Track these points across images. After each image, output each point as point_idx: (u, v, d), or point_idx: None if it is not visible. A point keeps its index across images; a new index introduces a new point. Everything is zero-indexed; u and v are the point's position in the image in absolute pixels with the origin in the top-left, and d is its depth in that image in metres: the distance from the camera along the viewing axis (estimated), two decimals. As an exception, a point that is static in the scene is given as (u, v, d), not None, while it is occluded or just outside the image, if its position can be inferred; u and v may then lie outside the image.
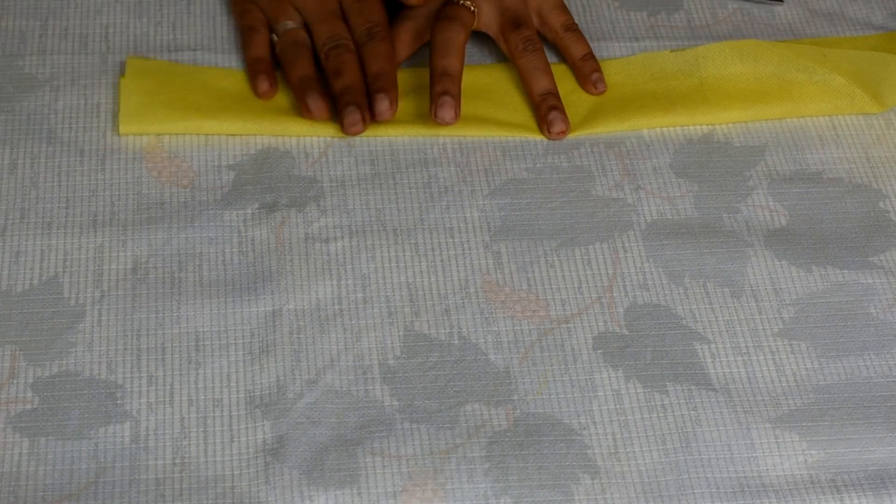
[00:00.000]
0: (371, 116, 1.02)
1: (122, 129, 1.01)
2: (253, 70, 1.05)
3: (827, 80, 1.05)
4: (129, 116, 1.01)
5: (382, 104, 1.01)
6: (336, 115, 1.02)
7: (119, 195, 0.99)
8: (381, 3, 1.06)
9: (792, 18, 1.13)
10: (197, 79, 1.05)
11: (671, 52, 1.07)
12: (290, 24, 1.06)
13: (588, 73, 1.06)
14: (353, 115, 1.01)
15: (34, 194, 0.98)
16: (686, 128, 1.05)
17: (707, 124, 1.05)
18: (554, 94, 1.04)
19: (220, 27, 1.09)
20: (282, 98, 1.04)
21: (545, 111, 1.03)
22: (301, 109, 1.02)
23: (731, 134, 1.05)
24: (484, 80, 1.06)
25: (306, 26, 1.06)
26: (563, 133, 1.03)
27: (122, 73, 1.05)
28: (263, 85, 1.04)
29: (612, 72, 1.07)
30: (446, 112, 1.02)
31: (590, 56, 1.07)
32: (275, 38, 1.06)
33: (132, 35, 1.08)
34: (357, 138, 1.03)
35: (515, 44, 1.05)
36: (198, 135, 1.02)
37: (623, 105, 1.05)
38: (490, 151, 1.03)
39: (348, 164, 1.01)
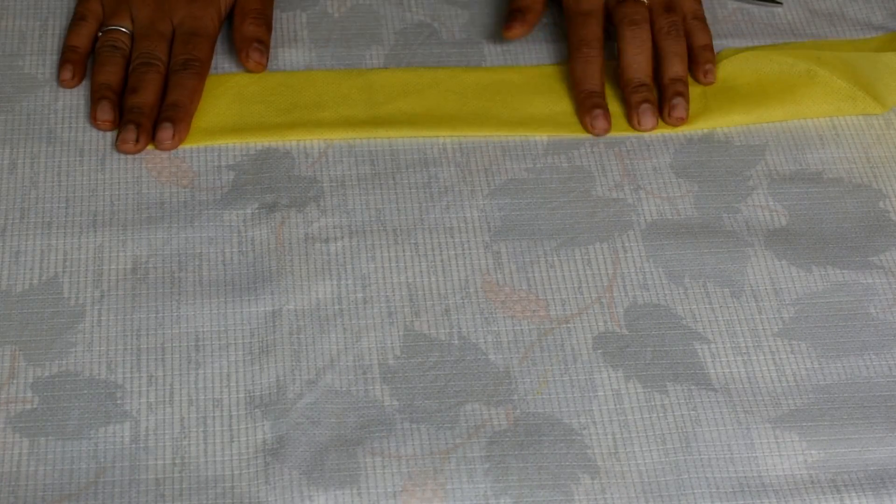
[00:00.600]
0: (153, 141, 1.01)
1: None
2: (64, 57, 1.05)
3: (828, 81, 1.05)
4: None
5: (165, 132, 1.01)
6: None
7: (119, 195, 0.99)
8: (212, 46, 1.06)
9: (792, 18, 1.13)
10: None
11: None
12: (119, 27, 1.05)
13: (702, 62, 1.07)
14: (127, 134, 1.00)
15: (34, 194, 0.98)
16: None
17: (708, 129, 1.05)
18: (683, 80, 1.05)
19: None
20: (273, 112, 1.04)
21: (671, 95, 1.04)
22: (90, 115, 1.03)
23: (731, 134, 1.05)
24: (489, 79, 1.06)
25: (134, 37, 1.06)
26: (683, 119, 1.04)
27: None
28: (66, 73, 1.04)
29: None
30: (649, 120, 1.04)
31: (708, 47, 1.08)
32: (100, 34, 1.06)
33: (132, 35, 1.08)
34: (357, 139, 1.03)
35: (661, 26, 1.06)
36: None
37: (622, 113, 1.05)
38: (490, 151, 1.03)
39: (348, 164, 1.01)
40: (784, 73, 1.05)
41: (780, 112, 1.05)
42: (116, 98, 1.02)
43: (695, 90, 1.06)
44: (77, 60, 1.05)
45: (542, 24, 1.11)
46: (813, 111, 1.05)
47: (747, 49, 1.07)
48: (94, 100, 1.02)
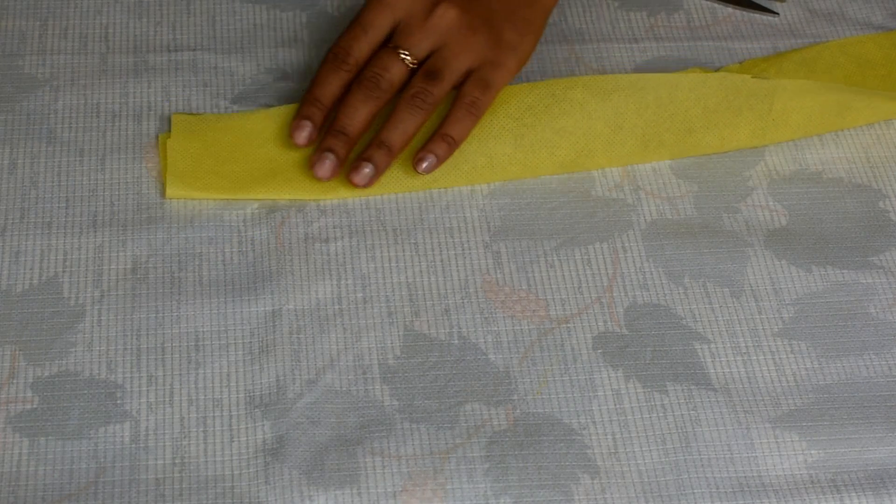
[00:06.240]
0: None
1: (168, 192, 0.98)
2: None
3: (881, 105, 1.03)
4: (176, 180, 0.98)
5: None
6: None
7: (119, 195, 0.99)
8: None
9: (792, 18, 1.13)
10: (244, 141, 1.00)
11: (752, 77, 1.02)
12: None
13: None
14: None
15: (34, 194, 0.98)
16: (686, 128, 1.05)
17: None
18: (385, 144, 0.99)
19: (220, 27, 1.09)
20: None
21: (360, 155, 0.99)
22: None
23: (731, 134, 1.05)
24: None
25: None
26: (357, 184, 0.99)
27: (166, 131, 1.01)
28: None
29: (686, 86, 1.02)
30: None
31: (447, 137, 1.00)
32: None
33: (132, 35, 1.08)
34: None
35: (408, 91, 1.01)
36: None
37: (684, 139, 1.01)
38: (490, 151, 1.03)
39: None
40: (848, 97, 1.03)
41: (823, 131, 1.04)
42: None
43: (758, 114, 1.02)
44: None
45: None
46: (850, 125, 1.05)
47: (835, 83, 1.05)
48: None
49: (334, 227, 0.97)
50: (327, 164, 0.97)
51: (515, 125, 1.00)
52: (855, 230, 0.99)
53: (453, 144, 0.98)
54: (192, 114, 1.02)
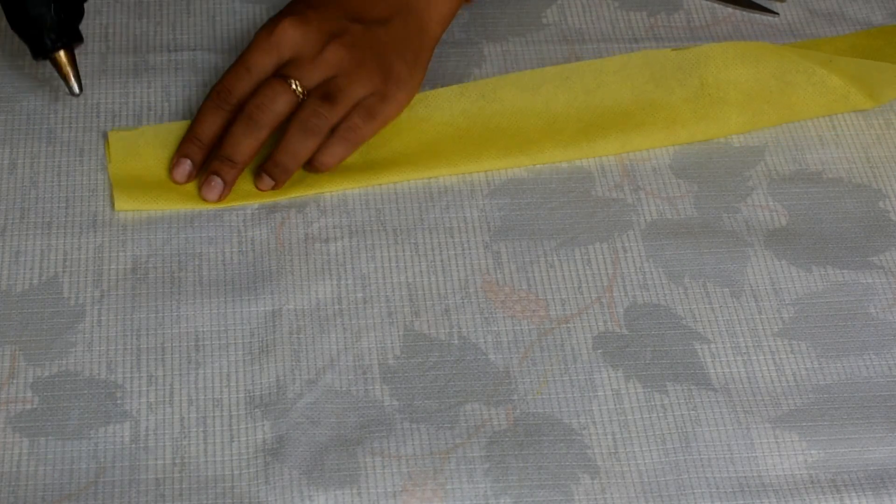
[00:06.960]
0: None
1: (117, 206, 0.97)
2: None
3: (824, 80, 1.04)
4: (124, 195, 0.97)
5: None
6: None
7: (119, 195, 0.99)
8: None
9: (792, 18, 1.13)
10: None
11: (673, 50, 1.06)
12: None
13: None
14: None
15: (34, 194, 0.98)
16: (686, 128, 1.05)
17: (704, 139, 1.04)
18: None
19: (219, 27, 1.09)
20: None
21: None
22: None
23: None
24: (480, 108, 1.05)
25: None
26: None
27: (105, 146, 1.01)
28: None
29: (611, 69, 1.06)
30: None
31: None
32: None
33: (132, 35, 1.08)
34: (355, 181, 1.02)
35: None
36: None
37: (624, 121, 1.03)
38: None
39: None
40: (783, 70, 1.05)
41: (776, 116, 1.04)
42: None
43: (691, 83, 1.04)
44: None
45: (540, 25, 1.11)
46: (806, 112, 1.05)
47: (754, 42, 1.06)
48: None
49: (334, 227, 0.97)
50: (215, 190, 0.97)
51: (452, 131, 1.02)
52: (855, 230, 0.99)
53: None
54: (129, 129, 1.01)
